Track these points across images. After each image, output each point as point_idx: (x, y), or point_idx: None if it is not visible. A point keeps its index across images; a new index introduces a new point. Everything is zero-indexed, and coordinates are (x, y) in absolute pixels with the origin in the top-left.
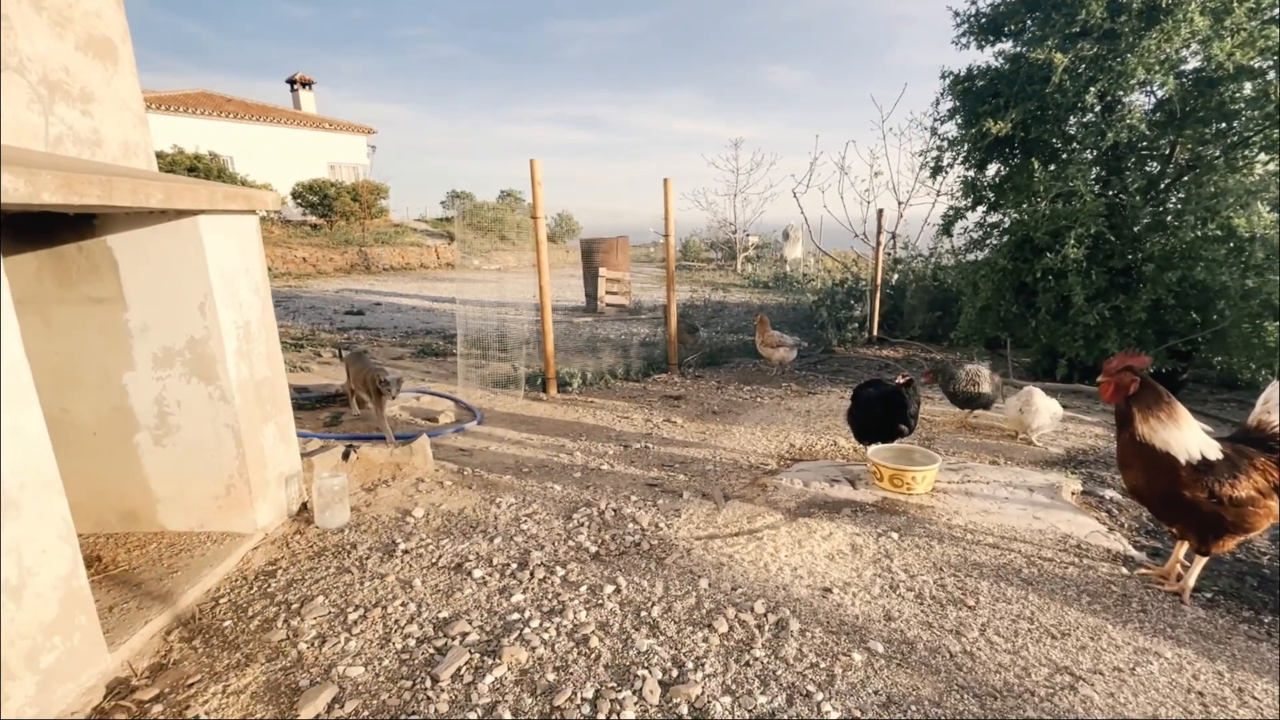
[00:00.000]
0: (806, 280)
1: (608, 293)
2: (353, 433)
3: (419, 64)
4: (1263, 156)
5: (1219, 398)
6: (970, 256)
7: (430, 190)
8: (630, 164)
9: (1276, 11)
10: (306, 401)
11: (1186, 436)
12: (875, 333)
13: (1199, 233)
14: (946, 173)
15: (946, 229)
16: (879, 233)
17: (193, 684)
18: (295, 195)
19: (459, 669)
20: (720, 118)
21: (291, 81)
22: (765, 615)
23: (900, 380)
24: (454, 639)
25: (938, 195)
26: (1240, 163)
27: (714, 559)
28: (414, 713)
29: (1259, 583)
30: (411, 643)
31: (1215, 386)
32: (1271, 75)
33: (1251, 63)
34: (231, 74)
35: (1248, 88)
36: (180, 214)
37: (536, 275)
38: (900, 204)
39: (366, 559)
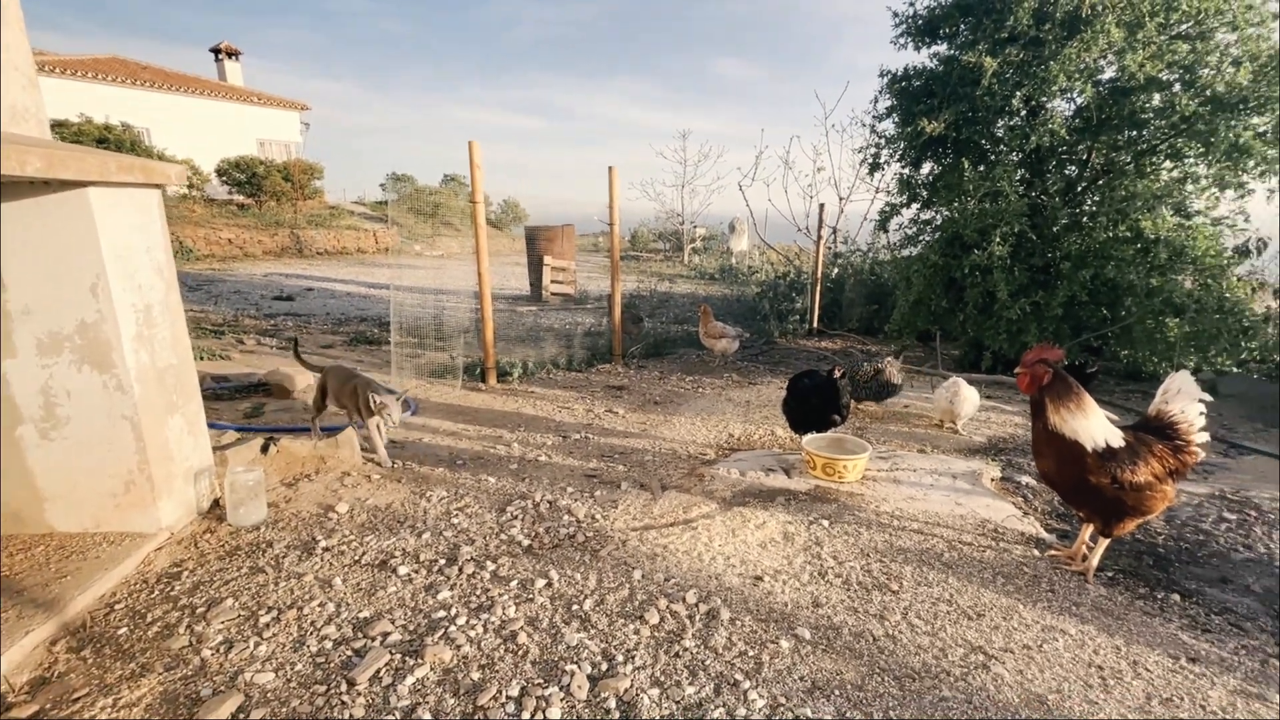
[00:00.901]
0: (751, 273)
1: (553, 281)
2: (275, 424)
3: (359, 40)
4: (1168, 164)
5: (1125, 389)
6: (905, 252)
7: (369, 172)
8: (579, 151)
9: (1184, 28)
10: (226, 392)
11: (1093, 426)
12: (815, 325)
13: (1110, 234)
14: (884, 170)
15: (883, 225)
16: (820, 227)
17: (79, 698)
18: (220, 173)
19: (378, 671)
20: (669, 108)
21: (216, 51)
22: (697, 605)
23: (836, 373)
24: (374, 640)
25: (876, 192)
26: (1148, 169)
27: (649, 550)
28: (327, 719)
29: (1154, 561)
30: (328, 645)
31: (1122, 378)
32: (1178, 88)
33: (1160, 75)
34: (149, 40)
35: (1156, 98)
36: (66, 185)
37: (476, 262)
38: (841, 200)
39: (283, 558)
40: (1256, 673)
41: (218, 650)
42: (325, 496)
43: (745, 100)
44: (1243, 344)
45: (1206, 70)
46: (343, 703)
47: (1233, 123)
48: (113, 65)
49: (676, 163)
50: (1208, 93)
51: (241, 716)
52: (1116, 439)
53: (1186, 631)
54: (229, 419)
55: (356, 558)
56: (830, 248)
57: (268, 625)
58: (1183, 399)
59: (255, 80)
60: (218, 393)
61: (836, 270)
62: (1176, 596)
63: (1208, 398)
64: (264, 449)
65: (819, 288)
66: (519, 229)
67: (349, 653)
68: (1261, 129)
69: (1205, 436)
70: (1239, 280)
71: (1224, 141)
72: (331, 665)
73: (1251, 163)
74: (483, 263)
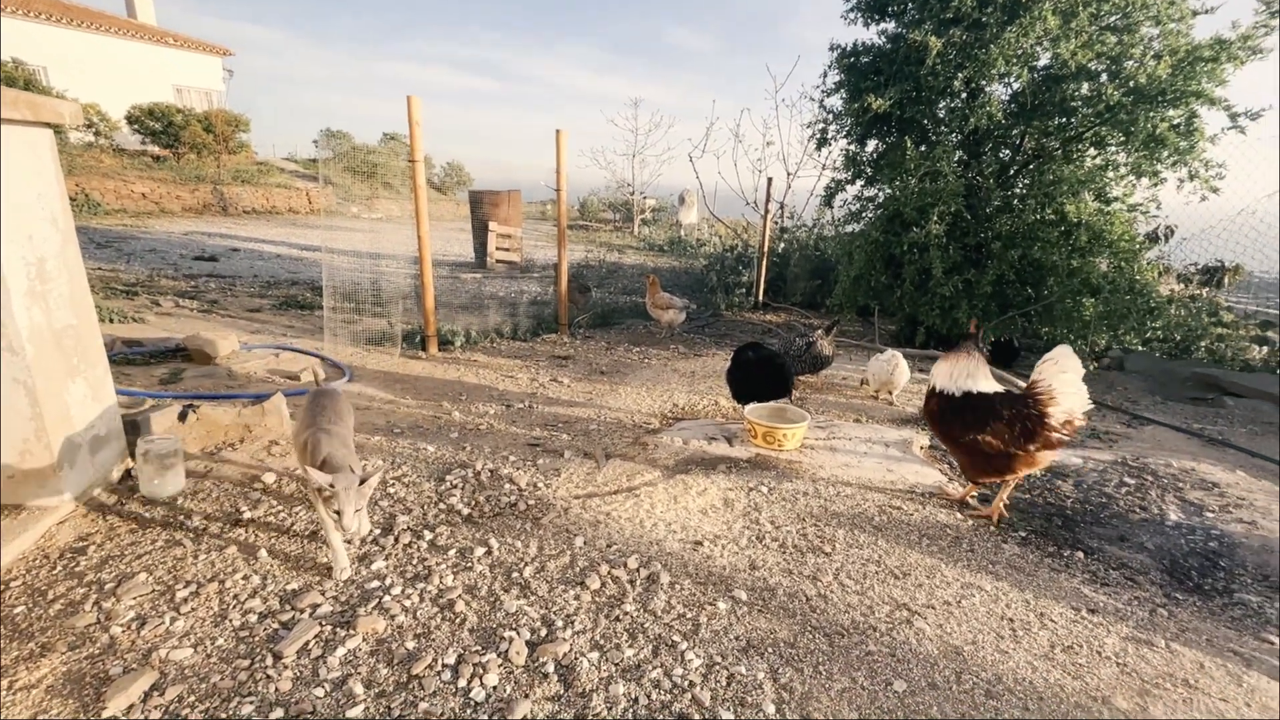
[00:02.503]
0: (700, 245)
1: (498, 248)
2: (194, 391)
3: None
4: (1092, 151)
5: None
6: (849, 228)
7: (303, 127)
8: (530, 115)
9: (1113, 20)
10: (139, 356)
11: (953, 372)
12: (761, 298)
13: (1038, 216)
14: (831, 145)
15: (828, 200)
16: (768, 202)
17: None
18: (132, 120)
19: (306, 643)
20: (622, 75)
21: None
22: (638, 570)
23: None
24: (303, 612)
25: (823, 168)
26: (1075, 155)
27: (591, 518)
28: (250, 694)
29: (1062, 522)
30: (253, 619)
31: (1042, 354)
32: (1105, 78)
33: (1090, 64)
34: None
35: (1085, 87)
36: None
37: (416, 225)
38: (789, 175)
39: (203, 530)
40: (1145, 621)
41: (129, 627)
42: (250, 466)
43: (698, 70)
44: (1148, 323)
45: (1131, 62)
46: (268, 676)
47: (1151, 114)
48: None
49: (628, 131)
50: (1131, 84)
51: (155, 695)
52: (982, 389)
53: (1088, 585)
54: (142, 385)
55: (284, 528)
56: (777, 223)
57: (185, 600)
58: (1050, 369)
59: (171, 20)
60: (130, 358)
61: (783, 245)
62: (1080, 554)
63: (1080, 371)
64: (181, 416)
65: (765, 262)
66: (463, 193)
67: (275, 626)
68: (1175, 121)
69: (1072, 405)
70: (1148, 264)
71: (1142, 131)
72: (256, 639)
73: (1165, 153)
74: (423, 226)
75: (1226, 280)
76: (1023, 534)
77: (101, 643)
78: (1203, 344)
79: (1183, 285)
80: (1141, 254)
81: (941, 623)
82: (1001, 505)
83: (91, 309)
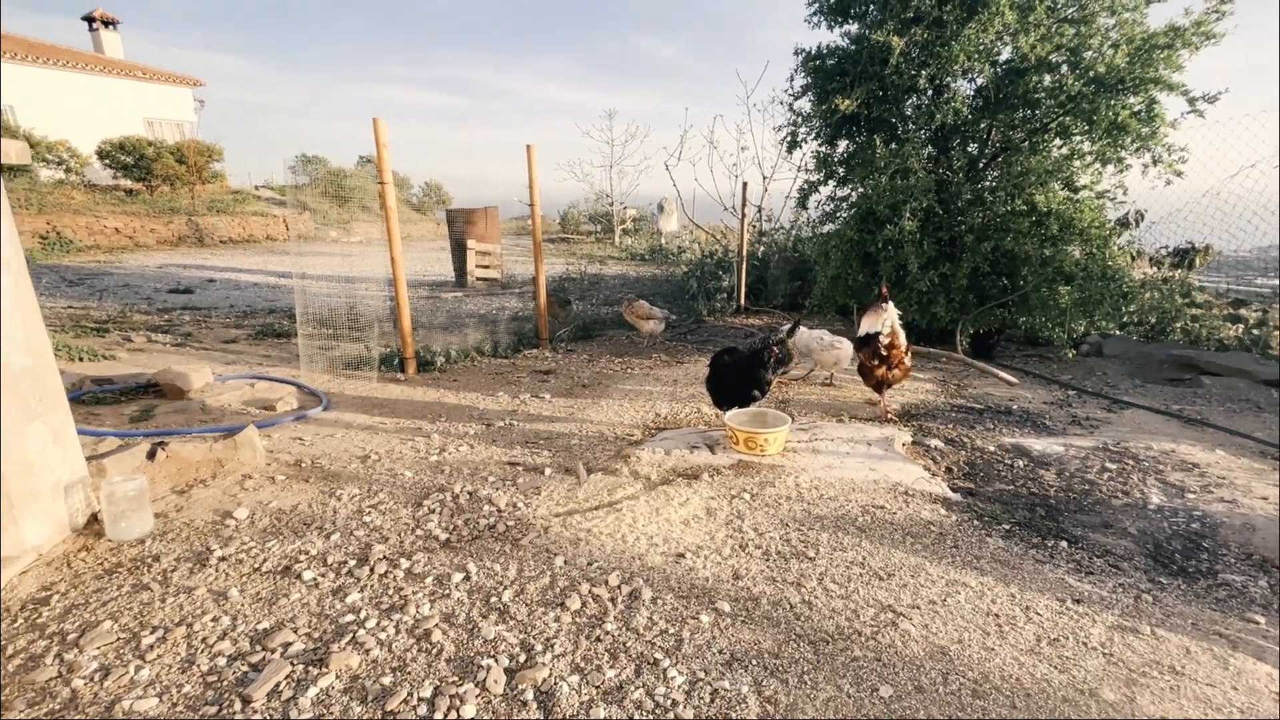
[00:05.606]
0: (680, 252)
1: (478, 266)
2: (165, 428)
3: (258, 9)
4: (1058, 141)
5: (1025, 354)
6: (825, 229)
7: (277, 154)
8: (505, 132)
9: (1070, 12)
10: (109, 395)
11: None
12: (742, 302)
13: (1008, 207)
14: (802, 148)
15: (802, 202)
16: (744, 206)
17: None
18: (103, 155)
19: (277, 684)
20: (594, 88)
21: (90, 20)
22: (619, 587)
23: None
24: (274, 651)
25: (798, 170)
26: (1041, 146)
27: (571, 535)
28: None
29: (1045, 512)
30: (221, 662)
31: (1021, 344)
32: (1065, 69)
33: (1050, 57)
34: (8, 5)
35: (1047, 79)
36: None
37: (388, 246)
38: (765, 178)
39: (171, 572)
40: (1131, 608)
41: (91, 679)
42: (223, 502)
43: (670, 79)
44: (1123, 308)
45: (1089, 53)
46: None
47: (1112, 102)
48: None
49: (604, 143)
50: (1091, 74)
51: None
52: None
53: (1072, 575)
54: (111, 424)
55: (256, 565)
56: (755, 226)
57: (151, 647)
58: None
59: (140, 54)
60: (99, 396)
61: (762, 248)
62: (1064, 543)
63: (895, 315)
64: (150, 455)
65: (744, 266)
66: (443, 213)
67: (245, 668)
68: (1136, 108)
69: (883, 330)
70: (1120, 250)
71: (1105, 120)
72: (225, 683)
73: (1129, 139)
74: (395, 247)
75: (1198, 261)
76: (1007, 526)
77: (62, 697)
78: (1178, 325)
79: (1155, 268)
80: (1112, 240)
81: (927, 623)
82: (886, 404)
83: (49, 350)
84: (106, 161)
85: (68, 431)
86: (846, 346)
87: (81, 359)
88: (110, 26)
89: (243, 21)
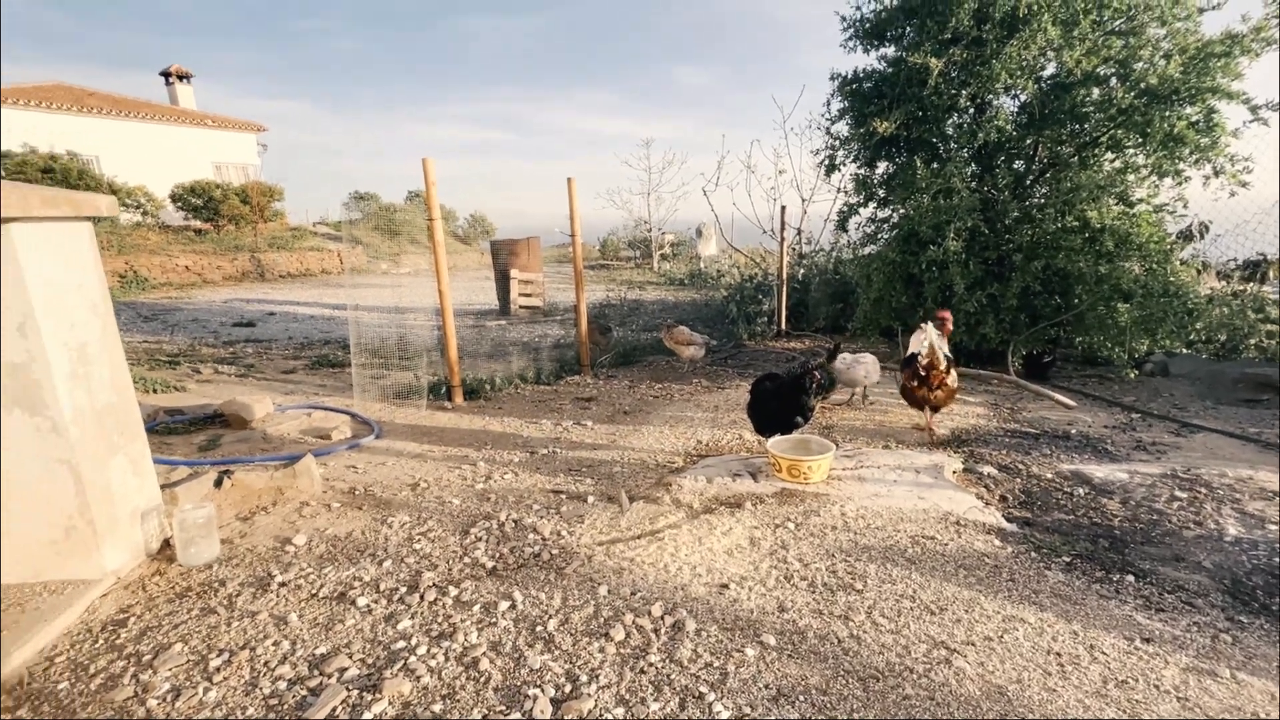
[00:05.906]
0: (719, 276)
1: (520, 294)
2: (230, 456)
3: (316, 59)
4: (1109, 155)
5: (1083, 374)
6: (865, 250)
7: (332, 192)
8: (548, 163)
9: (1117, 24)
10: (180, 425)
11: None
12: (783, 326)
13: (1059, 224)
14: (840, 170)
15: (842, 224)
16: (783, 229)
17: None
18: (175, 198)
19: (334, 710)
20: (632, 117)
21: (166, 74)
22: (662, 618)
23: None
24: (330, 676)
25: (837, 192)
26: (1091, 160)
27: (615, 564)
28: None
29: (1110, 544)
30: (282, 685)
31: (1079, 364)
32: (1114, 81)
33: (1098, 70)
34: (95, 65)
35: (1095, 92)
36: None
37: (435, 278)
38: (804, 201)
39: (236, 596)
40: (1207, 649)
41: (164, 699)
42: (282, 529)
43: (706, 106)
44: (1189, 325)
45: (1140, 64)
46: None
47: (1166, 113)
48: (57, 93)
49: (641, 170)
50: (1142, 85)
51: None
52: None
53: (1141, 612)
54: (182, 453)
55: (314, 591)
56: (795, 249)
57: (218, 669)
58: (920, 337)
59: (209, 103)
60: (171, 426)
61: (802, 271)
62: (1131, 577)
63: (935, 334)
64: (217, 483)
65: (784, 289)
66: (487, 243)
67: (304, 692)
68: (1193, 118)
69: (921, 350)
70: (1183, 264)
71: (1159, 131)
72: (285, 706)
73: (1186, 151)
74: (442, 279)
75: (1271, 274)
76: (1067, 559)
77: (138, 717)
78: (1251, 342)
79: (1223, 283)
80: (1174, 254)
81: (983, 660)
82: (932, 425)
83: (130, 386)
84: (179, 204)
85: (145, 462)
86: (870, 361)
87: (155, 390)
88: (184, 80)
89: (302, 71)
